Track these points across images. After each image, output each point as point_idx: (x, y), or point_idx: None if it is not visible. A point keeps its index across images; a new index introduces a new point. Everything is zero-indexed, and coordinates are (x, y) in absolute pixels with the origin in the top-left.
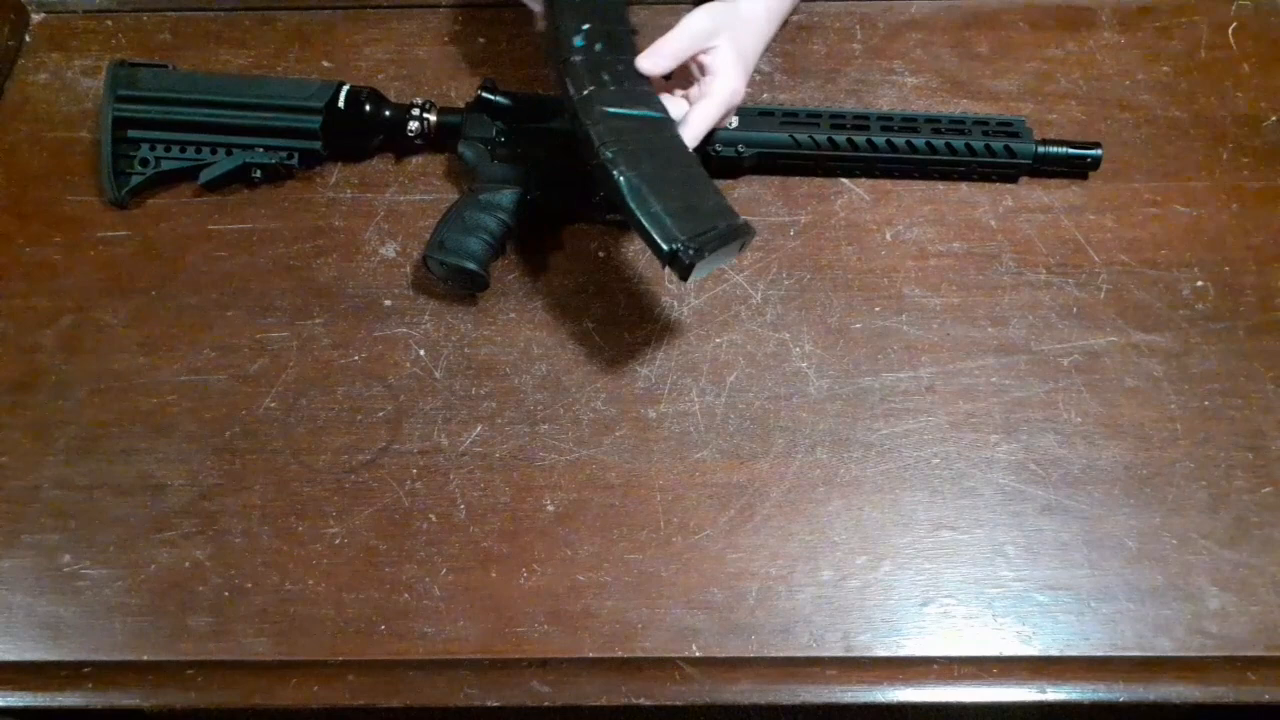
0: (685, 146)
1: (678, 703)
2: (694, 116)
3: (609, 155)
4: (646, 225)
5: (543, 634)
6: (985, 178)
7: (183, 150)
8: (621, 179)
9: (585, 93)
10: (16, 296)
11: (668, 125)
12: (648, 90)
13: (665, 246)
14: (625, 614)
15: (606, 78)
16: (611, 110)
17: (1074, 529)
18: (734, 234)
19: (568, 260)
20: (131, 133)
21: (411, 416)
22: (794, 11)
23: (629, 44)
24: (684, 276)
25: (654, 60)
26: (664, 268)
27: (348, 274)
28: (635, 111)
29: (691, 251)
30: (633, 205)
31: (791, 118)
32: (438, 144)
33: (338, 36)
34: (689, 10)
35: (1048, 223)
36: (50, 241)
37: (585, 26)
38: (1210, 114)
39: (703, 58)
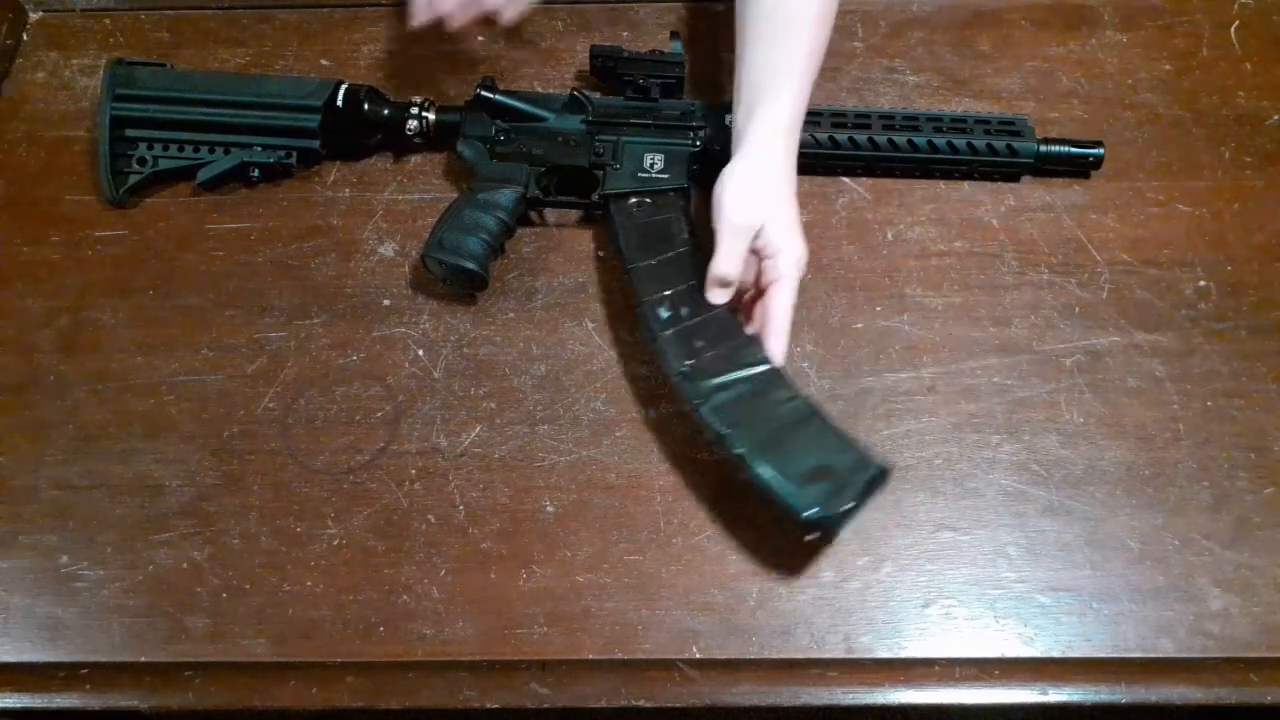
0: (801, 400)
1: (678, 705)
2: (775, 311)
3: (725, 433)
4: (781, 494)
5: (542, 635)
6: (987, 177)
7: (181, 149)
8: (745, 454)
9: (683, 369)
10: (14, 296)
11: (775, 376)
12: (743, 339)
13: (802, 515)
14: (625, 615)
15: (700, 344)
16: (713, 382)
17: (1076, 530)
18: (870, 488)
19: (567, 260)
20: (129, 132)
21: (410, 417)
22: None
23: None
24: (828, 540)
25: (718, 293)
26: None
27: (346, 273)
28: (738, 374)
29: (830, 518)
30: (763, 476)
31: None
32: (436, 143)
33: (336, 35)
34: (722, 201)
35: (1050, 222)
36: (48, 241)
37: (667, 293)
38: (1212, 112)
39: (757, 244)
